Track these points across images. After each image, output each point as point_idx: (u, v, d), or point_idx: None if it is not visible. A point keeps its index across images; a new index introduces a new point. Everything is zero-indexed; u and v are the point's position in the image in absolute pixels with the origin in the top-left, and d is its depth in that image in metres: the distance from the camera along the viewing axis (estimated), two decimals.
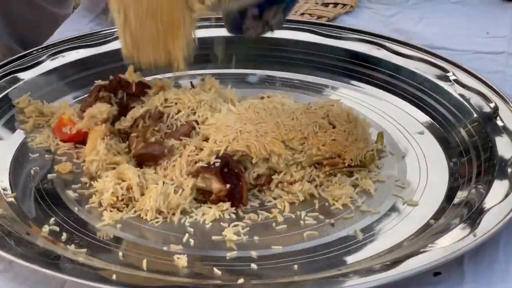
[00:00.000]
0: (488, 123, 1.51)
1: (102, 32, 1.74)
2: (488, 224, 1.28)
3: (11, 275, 1.20)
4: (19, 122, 1.53)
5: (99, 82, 1.55)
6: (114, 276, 1.17)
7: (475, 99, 1.57)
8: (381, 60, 1.71)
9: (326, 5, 2.01)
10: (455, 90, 1.61)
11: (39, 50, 1.67)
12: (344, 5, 2.01)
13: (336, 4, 2.02)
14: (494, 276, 1.25)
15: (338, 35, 1.77)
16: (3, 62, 1.63)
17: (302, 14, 1.97)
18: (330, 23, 1.84)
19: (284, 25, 1.72)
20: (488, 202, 1.33)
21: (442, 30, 1.95)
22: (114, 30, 1.71)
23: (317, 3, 2.02)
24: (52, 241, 1.26)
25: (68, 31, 1.86)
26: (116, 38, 1.65)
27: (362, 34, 1.77)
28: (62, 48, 1.68)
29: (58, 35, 1.82)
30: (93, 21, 1.91)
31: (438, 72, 1.66)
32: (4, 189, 1.38)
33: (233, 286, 1.19)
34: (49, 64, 1.65)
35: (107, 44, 1.70)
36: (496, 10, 2.04)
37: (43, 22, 2.08)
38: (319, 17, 1.95)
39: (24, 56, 1.65)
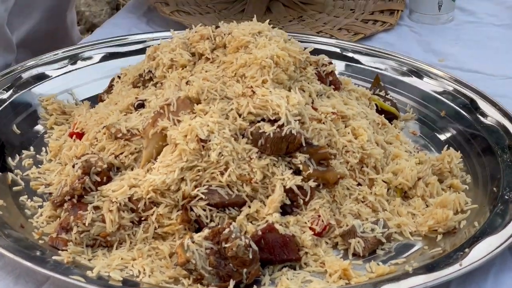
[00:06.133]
0: (501, 155, 1.52)
1: (137, 37, 1.79)
2: (478, 254, 1.30)
3: (1, 264, 1.26)
4: (41, 118, 1.60)
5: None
6: (95, 275, 1.22)
7: (493, 130, 1.58)
8: (406, 84, 1.73)
9: (365, 21, 2.03)
10: (474, 119, 1.61)
11: (71, 49, 1.73)
12: (384, 22, 2.02)
13: (375, 21, 2.03)
14: None
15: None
16: (32, 59, 1.70)
17: (340, 29, 1.98)
18: (363, 45, 1.84)
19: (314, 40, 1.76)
20: (482, 233, 1.34)
21: (477, 53, 1.94)
22: (148, 36, 1.78)
23: (357, 19, 2.03)
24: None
25: (111, 28, 1.94)
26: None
27: (392, 56, 1.78)
28: (93, 49, 1.74)
29: (99, 33, 1.88)
30: (133, 22, 1.97)
31: (461, 100, 1.66)
32: (13, 180, 1.44)
33: None
34: (79, 64, 1.71)
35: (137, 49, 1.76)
36: None
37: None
38: (356, 33, 1.96)
39: (56, 54, 1.72)
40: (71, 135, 1.50)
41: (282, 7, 2.07)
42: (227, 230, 1.25)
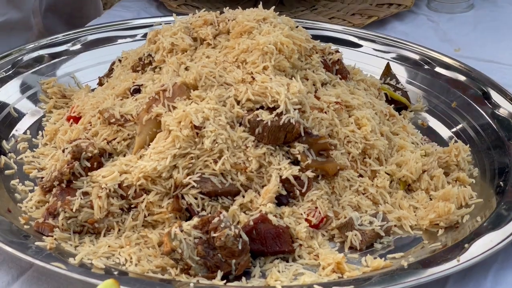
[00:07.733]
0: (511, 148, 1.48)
1: (142, 21, 1.77)
2: (478, 249, 1.25)
3: None
4: (40, 101, 1.58)
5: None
6: (77, 262, 1.20)
7: (505, 122, 1.53)
8: (417, 73, 1.69)
9: (380, 5, 1.98)
10: (486, 111, 1.57)
11: (74, 32, 1.72)
12: (399, 5, 1.97)
13: (390, 4, 1.98)
14: None
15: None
16: (33, 42, 1.68)
17: (353, 14, 1.94)
18: (375, 33, 1.80)
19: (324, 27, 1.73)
20: (484, 228, 1.30)
21: (495, 42, 1.90)
22: (153, 20, 1.76)
23: (371, 4, 1.99)
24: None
25: (120, 11, 1.92)
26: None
27: (404, 45, 1.74)
28: (97, 32, 1.72)
29: (108, 15, 1.86)
30: (143, 5, 1.95)
31: (473, 90, 1.62)
32: (6, 164, 1.42)
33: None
34: (82, 47, 1.70)
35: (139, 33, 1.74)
36: None
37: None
38: (370, 16, 1.92)
39: (57, 37, 1.71)
40: (68, 119, 1.48)
41: (295, 0, 2.04)
42: (216, 219, 1.22)
